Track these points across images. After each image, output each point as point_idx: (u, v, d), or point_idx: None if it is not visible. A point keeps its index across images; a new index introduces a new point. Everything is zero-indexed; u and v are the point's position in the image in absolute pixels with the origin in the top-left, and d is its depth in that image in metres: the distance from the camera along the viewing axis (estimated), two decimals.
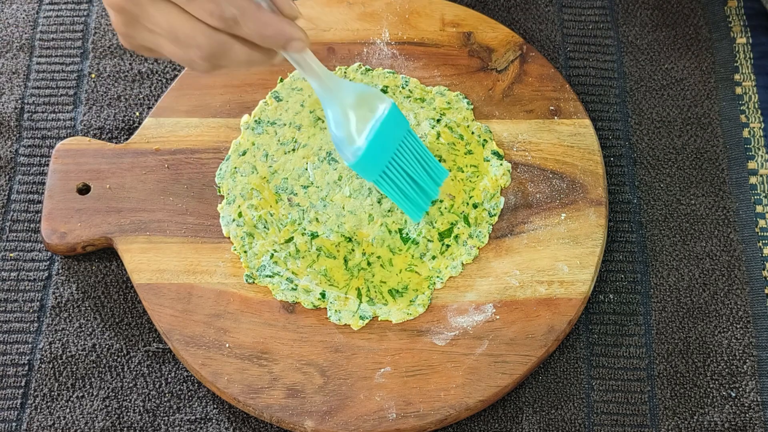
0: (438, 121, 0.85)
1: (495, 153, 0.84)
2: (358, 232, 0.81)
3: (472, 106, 0.86)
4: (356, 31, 0.90)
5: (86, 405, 0.78)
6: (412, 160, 0.76)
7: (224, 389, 0.76)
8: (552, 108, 0.86)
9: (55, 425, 0.77)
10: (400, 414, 0.75)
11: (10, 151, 0.88)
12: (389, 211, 0.82)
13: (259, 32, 0.66)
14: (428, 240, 0.81)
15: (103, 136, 0.88)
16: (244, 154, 0.84)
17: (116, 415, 0.77)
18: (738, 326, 0.80)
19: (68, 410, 0.78)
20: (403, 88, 0.87)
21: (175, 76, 0.91)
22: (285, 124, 0.85)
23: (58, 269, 0.83)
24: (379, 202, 0.82)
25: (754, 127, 0.88)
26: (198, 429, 0.77)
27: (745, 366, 0.79)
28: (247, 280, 0.79)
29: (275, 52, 0.69)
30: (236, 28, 0.66)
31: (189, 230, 0.82)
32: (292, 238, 0.81)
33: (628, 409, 0.78)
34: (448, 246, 0.81)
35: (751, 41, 0.92)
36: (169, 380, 0.79)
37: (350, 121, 0.73)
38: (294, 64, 0.70)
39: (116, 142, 0.88)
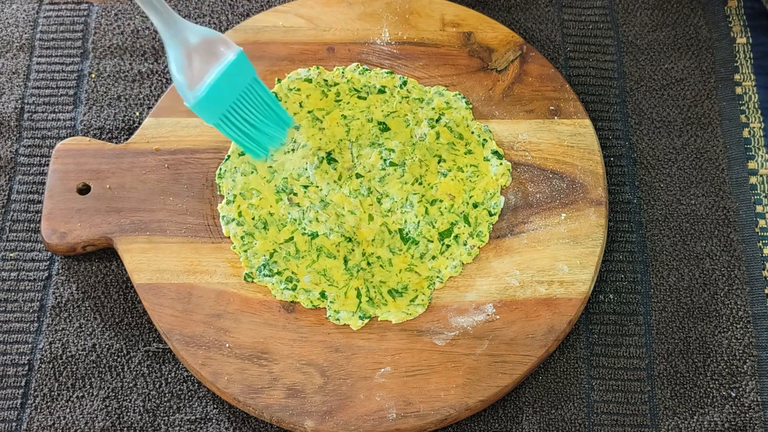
0: (437, 120, 0.85)
1: (495, 152, 0.84)
2: (358, 232, 0.81)
3: (470, 106, 0.86)
4: (356, 31, 0.90)
5: (86, 405, 0.78)
6: (255, 107, 0.77)
7: (224, 389, 0.76)
8: (552, 108, 0.86)
9: (55, 425, 0.77)
10: (400, 414, 0.75)
11: (10, 151, 0.88)
12: (389, 211, 0.82)
13: None
14: (428, 240, 0.81)
15: (103, 136, 0.88)
16: (244, 153, 0.84)
17: (116, 415, 0.77)
18: (738, 326, 0.80)
19: (68, 410, 0.78)
20: (401, 88, 0.87)
21: None
22: None
23: (58, 269, 0.83)
24: (379, 202, 0.82)
25: (754, 127, 0.88)
26: (198, 429, 0.77)
27: (745, 366, 0.79)
28: (246, 279, 0.79)
29: None
30: None
31: (189, 230, 0.82)
32: (292, 237, 0.81)
33: (628, 409, 0.77)
34: (448, 246, 0.81)
35: (751, 41, 0.92)
36: (169, 380, 0.79)
37: (193, 64, 0.73)
38: (137, 2, 0.70)
39: (116, 142, 0.88)
